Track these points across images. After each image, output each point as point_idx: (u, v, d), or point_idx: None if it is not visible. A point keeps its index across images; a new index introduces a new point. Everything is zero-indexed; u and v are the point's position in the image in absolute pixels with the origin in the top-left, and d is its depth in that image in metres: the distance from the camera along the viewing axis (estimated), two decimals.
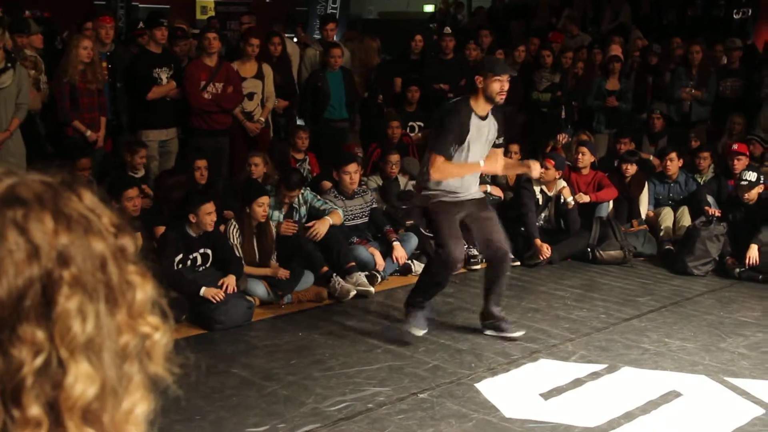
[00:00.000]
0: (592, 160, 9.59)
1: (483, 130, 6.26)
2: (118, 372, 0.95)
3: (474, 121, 6.18)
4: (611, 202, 9.48)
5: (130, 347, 0.97)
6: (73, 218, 0.95)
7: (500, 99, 6.17)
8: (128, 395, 0.96)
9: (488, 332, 6.57)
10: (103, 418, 0.93)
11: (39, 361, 0.89)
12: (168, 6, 17.28)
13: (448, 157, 6.15)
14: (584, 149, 9.49)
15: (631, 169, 9.51)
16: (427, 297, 6.51)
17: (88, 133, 8.52)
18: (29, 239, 0.91)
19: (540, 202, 9.00)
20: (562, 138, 10.63)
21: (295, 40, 12.87)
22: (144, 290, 0.99)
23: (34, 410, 0.89)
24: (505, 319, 6.60)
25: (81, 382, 0.91)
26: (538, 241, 8.62)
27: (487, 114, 6.27)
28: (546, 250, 8.63)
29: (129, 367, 0.97)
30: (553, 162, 8.93)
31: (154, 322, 1.00)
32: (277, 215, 7.79)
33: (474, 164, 6.29)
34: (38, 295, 0.90)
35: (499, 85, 6.09)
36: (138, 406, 0.97)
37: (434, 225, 6.48)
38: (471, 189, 6.49)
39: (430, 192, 6.37)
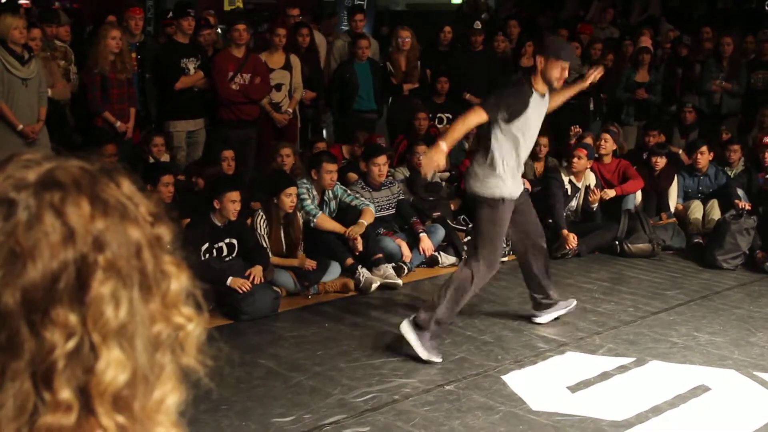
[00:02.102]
0: (614, 148, 9.54)
1: (541, 108, 6.09)
2: (150, 360, 0.95)
3: (534, 98, 5.98)
4: (639, 194, 9.41)
5: (162, 337, 0.97)
6: (110, 204, 0.95)
7: (558, 85, 6.04)
8: (160, 385, 0.96)
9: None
10: (134, 405, 0.93)
11: (71, 344, 0.89)
12: None
13: (492, 119, 5.85)
14: (606, 136, 9.45)
15: (661, 162, 9.44)
16: (453, 313, 6.06)
17: (118, 123, 8.56)
18: (65, 222, 0.91)
19: (569, 192, 8.97)
20: (574, 130, 10.49)
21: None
22: (179, 280, 0.99)
23: (65, 394, 0.89)
24: (543, 305, 6.65)
25: (112, 367, 0.91)
26: (564, 232, 8.58)
27: (545, 93, 6.10)
28: (572, 240, 8.59)
29: (161, 356, 0.96)
30: (585, 151, 8.91)
31: (188, 313, 1.00)
32: (312, 207, 7.74)
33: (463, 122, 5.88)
34: (72, 278, 0.90)
35: (560, 71, 5.93)
36: (169, 396, 0.97)
37: (481, 234, 6.07)
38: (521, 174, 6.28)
39: (491, 180, 5.99)
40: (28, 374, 0.88)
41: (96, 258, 0.91)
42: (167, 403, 0.97)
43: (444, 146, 5.67)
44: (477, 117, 5.81)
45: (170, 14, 10.24)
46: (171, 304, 0.98)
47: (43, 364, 0.89)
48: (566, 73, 6.02)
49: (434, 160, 5.72)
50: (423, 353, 5.77)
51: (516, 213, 6.16)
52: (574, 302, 6.76)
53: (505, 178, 5.96)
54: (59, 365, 0.89)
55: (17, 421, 0.88)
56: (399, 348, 5.99)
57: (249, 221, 7.39)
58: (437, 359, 5.81)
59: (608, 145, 9.40)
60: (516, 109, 5.87)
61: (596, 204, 8.99)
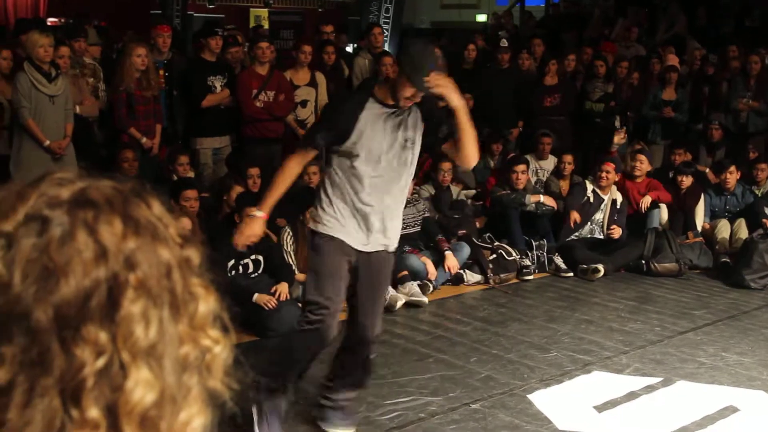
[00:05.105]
0: (649, 169, 9.53)
1: (390, 125, 4.49)
2: (178, 381, 0.94)
3: (372, 109, 4.47)
4: (665, 213, 9.38)
5: (190, 358, 0.96)
6: (142, 224, 0.95)
7: (404, 105, 4.46)
8: (186, 407, 0.95)
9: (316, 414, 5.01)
10: (160, 426, 0.93)
11: (101, 362, 0.89)
12: (223, 15, 17.45)
13: (315, 147, 4.54)
14: (642, 157, 9.45)
15: (687, 181, 9.40)
16: (285, 378, 4.71)
17: (144, 140, 8.62)
18: (98, 240, 0.91)
19: (591, 200, 8.96)
20: (620, 138, 10.44)
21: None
22: (207, 303, 0.99)
23: (93, 412, 0.89)
24: (345, 409, 4.92)
25: (141, 387, 0.90)
26: (574, 212, 8.91)
27: (396, 104, 4.49)
28: (574, 217, 8.84)
29: (188, 378, 0.96)
30: (612, 165, 8.93)
31: (215, 335, 1.00)
32: None
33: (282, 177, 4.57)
34: (103, 296, 0.90)
35: (411, 93, 4.40)
36: (196, 418, 0.96)
37: (310, 273, 4.67)
38: (385, 228, 4.59)
39: (318, 220, 4.61)
40: (56, 391, 0.88)
41: (127, 277, 0.91)
42: (193, 426, 0.96)
43: (261, 214, 4.60)
44: (293, 163, 4.60)
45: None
46: (198, 326, 0.98)
47: (72, 381, 0.89)
48: (418, 99, 4.44)
49: (249, 234, 4.57)
50: None
51: (360, 282, 4.65)
52: None
53: (342, 220, 4.55)
54: (88, 383, 0.89)
55: None
56: (425, 366, 5.97)
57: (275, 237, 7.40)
58: None
59: (643, 166, 9.39)
60: (338, 126, 4.48)
61: (618, 236, 8.98)
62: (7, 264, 0.90)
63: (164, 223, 0.98)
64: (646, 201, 9.15)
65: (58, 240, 0.90)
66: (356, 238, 4.55)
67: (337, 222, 4.52)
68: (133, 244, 0.93)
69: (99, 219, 0.92)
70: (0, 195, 0.95)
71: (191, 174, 8.63)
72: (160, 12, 15.79)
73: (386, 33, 12.09)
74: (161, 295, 0.93)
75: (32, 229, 0.91)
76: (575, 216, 8.87)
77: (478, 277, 8.31)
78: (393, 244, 4.70)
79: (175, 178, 8.32)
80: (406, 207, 8.17)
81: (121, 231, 0.92)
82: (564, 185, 9.67)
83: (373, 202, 4.51)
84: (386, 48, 11.54)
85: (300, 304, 6.81)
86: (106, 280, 0.90)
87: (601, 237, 9.05)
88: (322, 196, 4.58)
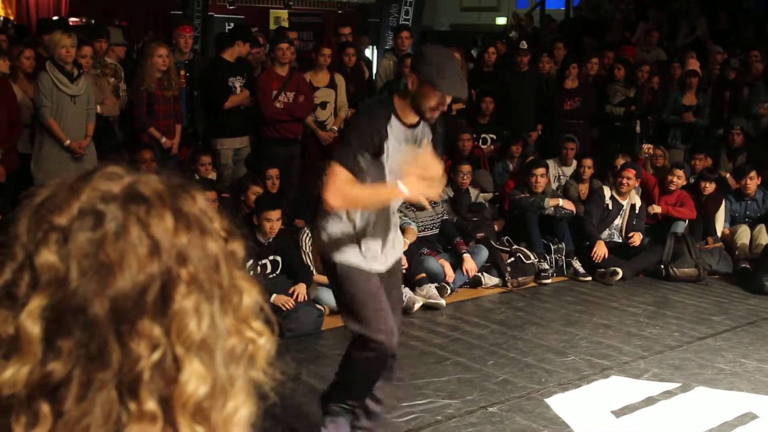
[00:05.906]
0: (684, 183, 9.43)
1: (406, 143, 4.20)
2: (227, 373, 0.97)
3: (395, 126, 4.14)
4: (687, 219, 9.35)
5: (236, 350, 0.99)
6: (191, 218, 0.97)
7: (431, 117, 4.16)
8: (233, 397, 0.97)
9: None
10: (212, 417, 0.95)
11: (156, 356, 0.91)
12: (243, 17, 17.49)
13: (356, 173, 4.02)
14: (681, 173, 9.35)
15: (710, 187, 9.36)
16: (358, 397, 4.61)
17: (163, 140, 8.65)
18: (150, 235, 0.93)
19: (610, 207, 8.92)
20: (647, 149, 10.41)
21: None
22: (250, 295, 1.01)
23: (151, 405, 0.91)
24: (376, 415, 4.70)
25: (194, 379, 0.93)
26: (600, 243, 8.67)
27: (418, 122, 4.22)
28: (600, 250, 8.61)
29: (234, 369, 0.98)
30: (633, 171, 8.88)
31: (259, 327, 1.02)
32: None
33: (387, 188, 4.08)
34: (157, 291, 0.92)
35: (437, 101, 4.07)
36: (242, 408, 0.98)
37: (349, 302, 4.32)
38: (394, 246, 4.45)
39: (332, 245, 4.30)
40: (113, 384, 0.90)
41: (179, 272, 0.93)
42: (240, 415, 0.99)
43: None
44: (341, 177, 4.00)
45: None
46: (243, 318, 1.00)
47: (129, 374, 0.90)
48: (445, 106, 4.14)
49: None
50: None
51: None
52: None
53: (364, 242, 4.27)
54: (145, 376, 0.91)
55: (104, 428, 0.90)
56: (442, 369, 5.96)
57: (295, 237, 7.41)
58: None
59: (680, 182, 9.32)
60: (372, 143, 4.09)
61: (638, 244, 8.93)
62: (63, 258, 0.91)
63: (209, 216, 1.00)
64: (654, 209, 9.16)
65: (113, 234, 0.92)
66: (379, 262, 4.34)
67: (361, 252, 4.27)
68: (185, 238, 0.95)
69: (151, 214, 0.94)
70: (51, 189, 0.97)
71: (213, 174, 8.67)
72: (180, 12, 15.85)
73: None
74: (212, 290, 0.95)
75: (87, 223, 0.92)
76: (600, 250, 8.69)
77: (496, 280, 8.30)
78: (401, 251, 4.66)
79: (197, 178, 8.35)
80: (424, 209, 8.25)
81: (172, 226, 0.94)
82: (583, 189, 9.64)
83: (391, 221, 4.38)
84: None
85: (319, 306, 6.83)
86: (160, 274, 0.92)
87: (620, 241, 9.01)
88: (339, 223, 4.27)
